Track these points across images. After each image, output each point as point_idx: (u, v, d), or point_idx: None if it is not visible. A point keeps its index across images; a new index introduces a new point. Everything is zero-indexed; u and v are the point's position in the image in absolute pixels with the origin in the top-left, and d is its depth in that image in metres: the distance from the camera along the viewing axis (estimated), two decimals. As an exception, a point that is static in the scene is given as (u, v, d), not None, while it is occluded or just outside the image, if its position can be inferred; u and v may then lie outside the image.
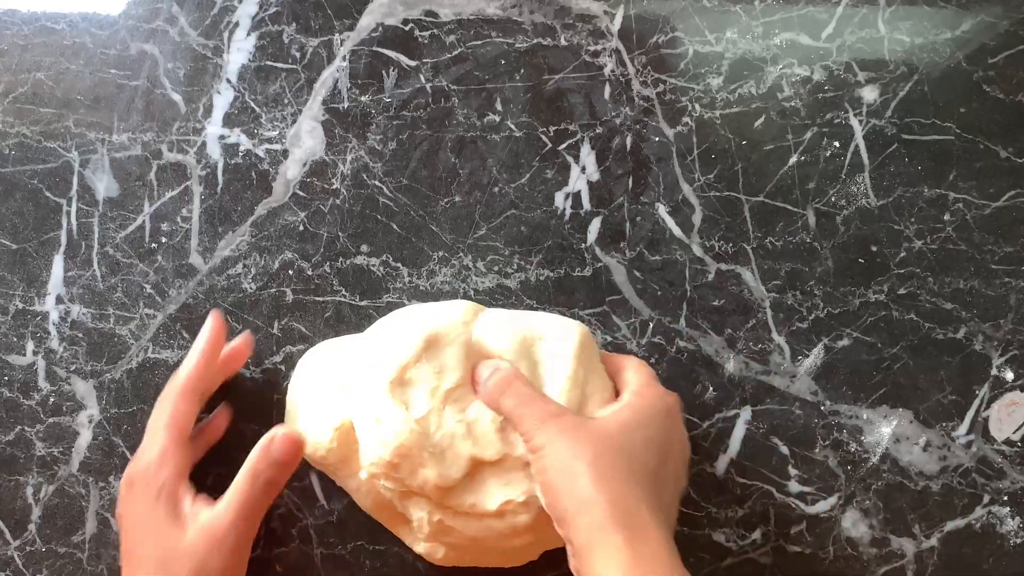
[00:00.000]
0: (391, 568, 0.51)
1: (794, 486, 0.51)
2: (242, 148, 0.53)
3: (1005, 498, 0.51)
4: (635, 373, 0.44)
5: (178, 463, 0.44)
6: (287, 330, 0.52)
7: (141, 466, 0.44)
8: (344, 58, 0.53)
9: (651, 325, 0.52)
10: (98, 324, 0.52)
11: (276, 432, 0.44)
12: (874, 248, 0.52)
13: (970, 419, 0.51)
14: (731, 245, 0.52)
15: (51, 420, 0.52)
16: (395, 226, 0.52)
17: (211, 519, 0.42)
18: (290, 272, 0.52)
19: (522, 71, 0.53)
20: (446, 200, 0.53)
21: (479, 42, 0.53)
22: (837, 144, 0.52)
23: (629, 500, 0.37)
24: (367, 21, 0.53)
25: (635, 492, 0.37)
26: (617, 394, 0.45)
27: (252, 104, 0.53)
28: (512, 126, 0.53)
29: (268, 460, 0.43)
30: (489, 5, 0.53)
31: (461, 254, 0.52)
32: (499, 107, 0.53)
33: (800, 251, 0.52)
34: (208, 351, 0.47)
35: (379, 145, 0.53)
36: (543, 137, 0.53)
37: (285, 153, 0.53)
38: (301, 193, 0.53)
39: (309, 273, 0.52)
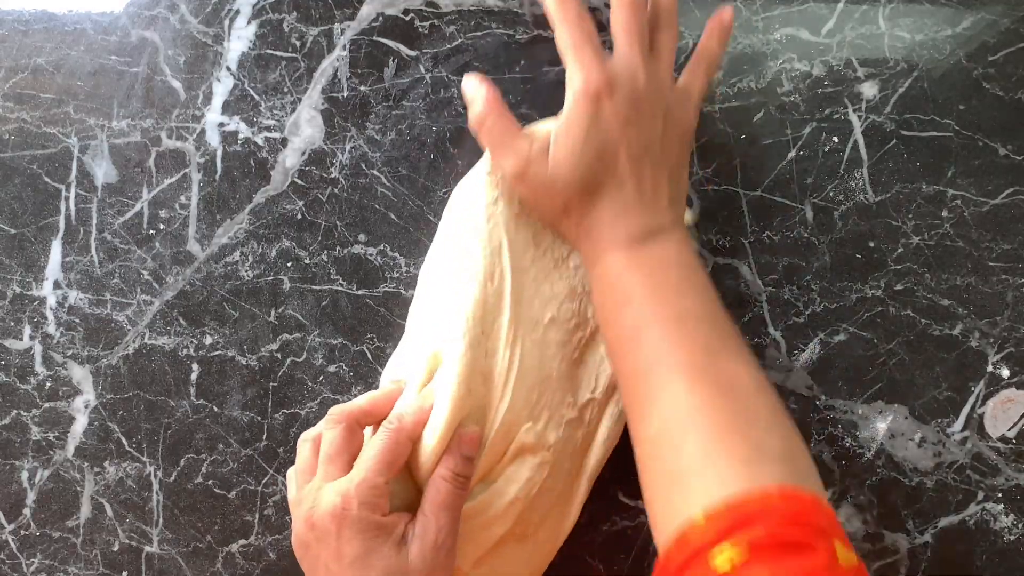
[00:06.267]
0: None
1: (788, 480, 0.51)
2: (241, 136, 0.53)
3: (999, 495, 0.51)
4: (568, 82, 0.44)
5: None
6: (283, 318, 0.52)
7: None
8: (344, 47, 0.53)
9: (647, 318, 0.52)
10: (95, 310, 0.52)
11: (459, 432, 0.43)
12: (871, 244, 0.52)
13: (965, 416, 0.51)
14: (728, 239, 0.52)
15: (47, 405, 0.52)
16: (393, 216, 0.52)
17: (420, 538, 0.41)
18: (287, 261, 0.53)
19: (522, 63, 0.53)
20: (444, 190, 0.53)
21: (479, 33, 0.53)
22: (836, 139, 0.52)
23: (573, 220, 0.44)
24: (367, 10, 0.53)
25: (580, 211, 0.44)
26: None
27: (252, 92, 0.53)
28: (511, 117, 0.53)
29: (457, 461, 0.43)
30: (490, -4, 0.53)
31: (458, 244, 0.52)
32: (498, 98, 0.53)
33: (797, 246, 0.52)
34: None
35: (378, 135, 0.53)
36: (542, 129, 0.53)
37: (284, 142, 0.53)
38: (299, 182, 0.53)
39: (307, 262, 0.53)
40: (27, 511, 0.52)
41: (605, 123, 0.42)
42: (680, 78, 0.46)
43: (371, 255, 0.52)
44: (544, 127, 0.45)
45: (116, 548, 0.52)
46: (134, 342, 0.52)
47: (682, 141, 0.45)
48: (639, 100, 0.42)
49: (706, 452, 0.37)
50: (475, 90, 0.45)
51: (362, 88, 0.53)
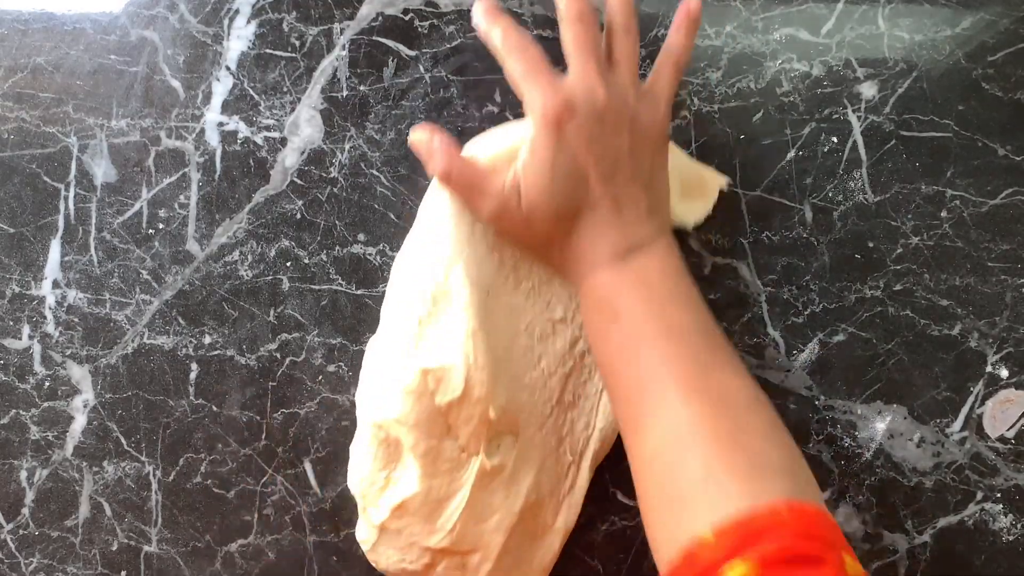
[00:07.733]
0: (383, 557, 0.51)
1: (787, 480, 0.51)
2: (240, 135, 0.53)
3: (998, 495, 0.51)
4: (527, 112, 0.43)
5: None
6: (283, 318, 0.52)
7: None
8: (344, 47, 0.53)
9: (647, 318, 0.52)
10: (94, 309, 0.52)
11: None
12: (871, 244, 0.52)
13: (964, 416, 0.51)
14: (727, 239, 0.52)
15: (46, 404, 0.52)
16: (392, 215, 0.52)
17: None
18: (287, 260, 0.53)
19: (521, 62, 0.53)
20: (443, 190, 0.53)
21: (479, 33, 0.53)
22: (835, 140, 0.52)
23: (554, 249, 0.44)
24: (367, 10, 0.53)
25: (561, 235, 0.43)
26: None
27: (251, 92, 0.53)
28: (511, 118, 0.53)
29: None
30: (489, -4, 0.53)
31: (458, 244, 0.52)
32: (498, 98, 0.53)
33: (797, 246, 0.52)
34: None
35: (377, 135, 0.53)
36: (541, 129, 0.53)
37: (283, 141, 0.53)
38: (299, 181, 0.53)
39: (306, 262, 0.52)
40: (26, 511, 0.52)
41: (570, 147, 0.41)
42: (647, 79, 0.45)
43: (370, 255, 0.52)
44: (498, 139, 0.46)
45: (115, 548, 0.52)
46: (133, 341, 0.52)
47: (654, 147, 0.44)
48: (601, 117, 0.41)
49: (708, 468, 0.37)
50: (428, 143, 0.44)
51: (362, 88, 0.53)
